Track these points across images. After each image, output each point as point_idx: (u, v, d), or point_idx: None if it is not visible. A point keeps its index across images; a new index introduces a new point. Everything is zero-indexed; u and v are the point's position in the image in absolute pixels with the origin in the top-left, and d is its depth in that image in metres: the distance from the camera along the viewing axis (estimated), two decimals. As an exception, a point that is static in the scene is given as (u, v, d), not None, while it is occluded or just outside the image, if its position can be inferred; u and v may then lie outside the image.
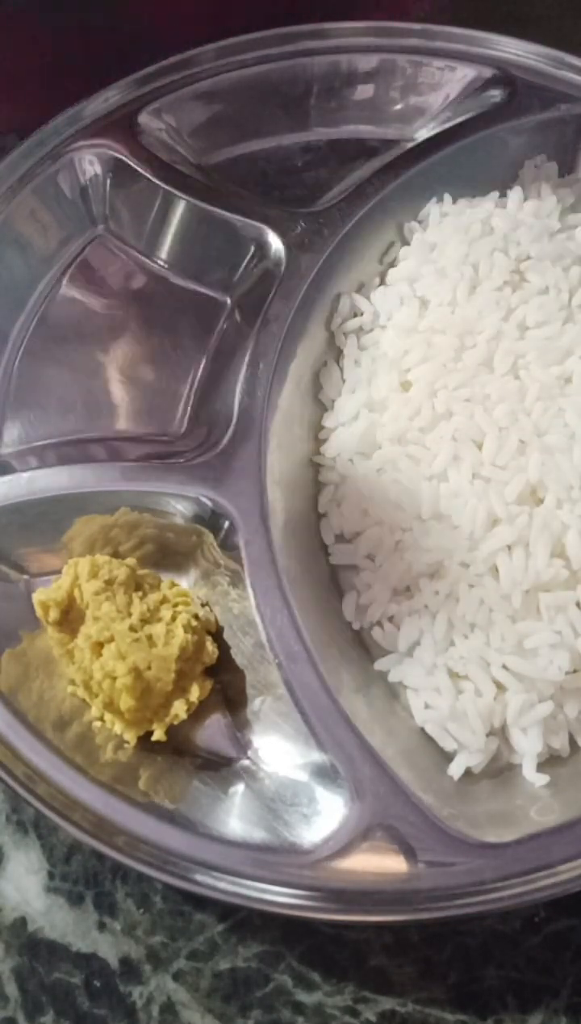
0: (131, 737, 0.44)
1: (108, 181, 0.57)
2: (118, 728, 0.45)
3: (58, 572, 0.47)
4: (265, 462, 0.48)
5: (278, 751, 0.45)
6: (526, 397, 0.49)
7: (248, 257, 0.55)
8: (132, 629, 0.45)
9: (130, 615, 0.45)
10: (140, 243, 0.58)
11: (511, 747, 0.45)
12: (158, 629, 0.45)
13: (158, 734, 0.44)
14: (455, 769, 0.45)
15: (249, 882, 0.40)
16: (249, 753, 0.46)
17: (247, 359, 0.51)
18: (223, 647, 0.47)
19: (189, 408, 0.54)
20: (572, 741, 0.46)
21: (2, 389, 0.54)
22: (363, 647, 0.49)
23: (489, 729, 0.45)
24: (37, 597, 0.46)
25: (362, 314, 0.54)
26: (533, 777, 0.44)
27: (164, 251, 0.57)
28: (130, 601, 0.46)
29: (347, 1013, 0.43)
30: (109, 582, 0.46)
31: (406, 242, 0.57)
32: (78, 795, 0.42)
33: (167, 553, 0.50)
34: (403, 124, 0.60)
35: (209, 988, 0.44)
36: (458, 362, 0.50)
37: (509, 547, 0.46)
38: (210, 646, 0.46)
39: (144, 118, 0.57)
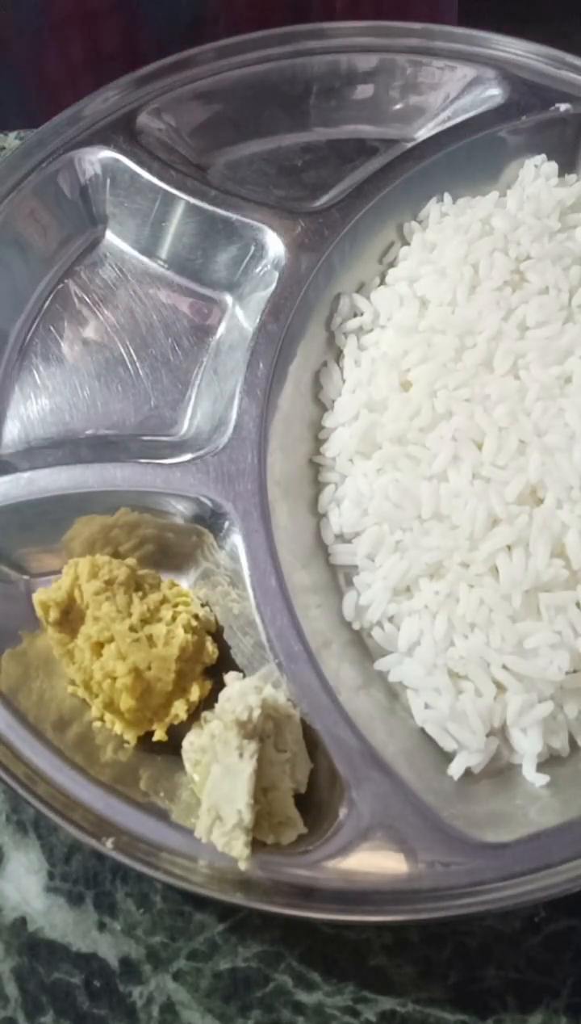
0: (131, 737, 0.44)
1: (108, 181, 0.57)
2: (118, 728, 0.45)
3: (58, 572, 0.47)
4: (265, 462, 0.48)
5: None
6: (526, 397, 0.49)
7: (248, 257, 0.55)
8: (132, 629, 0.45)
9: (130, 615, 0.45)
10: (140, 243, 0.58)
11: (511, 747, 0.45)
12: (158, 629, 0.45)
13: (159, 734, 0.44)
14: (455, 769, 0.45)
15: (249, 882, 0.40)
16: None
17: (247, 359, 0.51)
18: (223, 647, 0.47)
19: (189, 408, 0.54)
20: (572, 741, 0.46)
21: (2, 389, 0.54)
22: (363, 647, 0.49)
23: (489, 729, 0.45)
24: (37, 597, 0.46)
25: (362, 314, 0.55)
26: (533, 777, 0.44)
27: (164, 251, 0.57)
28: (130, 601, 0.46)
29: (347, 1013, 0.43)
30: (109, 582, 0.46)
31: (406, 242, 0.57)
32: (78, 795, 0.42)
33: (167, 553, 0.50)
34: (403, 124, 0.60)
35: (209, 988, 0.44)
36: (458, 362, 0.50)
37: (509, 547, 0.46)
38: (210, 646, 0.46)
39: (144, 118, 0.57)
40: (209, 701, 0.44)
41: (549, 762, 0.45)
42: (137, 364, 0.55)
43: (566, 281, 0.52)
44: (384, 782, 0.42)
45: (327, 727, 0.43)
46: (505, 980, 0.43)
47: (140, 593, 0.47)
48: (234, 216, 0.54)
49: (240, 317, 0.55)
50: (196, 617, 0.46)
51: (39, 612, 0.45)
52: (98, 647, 0.44)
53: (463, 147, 0.56)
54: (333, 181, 0.58)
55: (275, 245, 0.54)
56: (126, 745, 0.45)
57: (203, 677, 0.46)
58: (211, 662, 0.46)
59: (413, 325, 0.52)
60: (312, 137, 0.61)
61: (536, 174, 0.57)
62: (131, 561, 0.48)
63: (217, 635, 0.47)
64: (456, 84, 0.59)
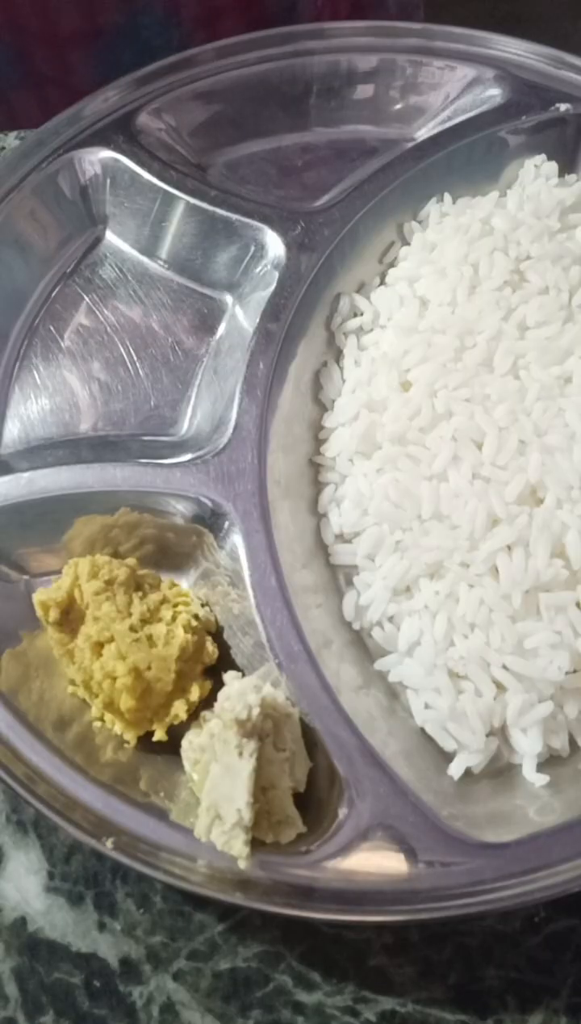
0: (131, 737, 0.44)
1: (108, 181, 0.57)
2: (118, 728, 0.45)
3: (58, 572, 0.47)
4: (265, 462, 0.48)
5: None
6: (526, 397, 0.49)
7: (248, 257, 0.55)
8: (132, 629, 0.45)
9: (130, 615, 0.45)
10: (140, 243, 0.58)
11: (511, 747, 0.45)
12: (158, 629, 0.45)
13: (159, 734, 0.44)
14: (455, 769, 0.45)
15: (249, 882, 0.40)
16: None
17: (247, 359, 0.51)
18: (223, 647, 0.47)
19: (189, 408, 0.54)
20: (572, 741, 0.46)
21: (2, 389, 0.54)
22: (363, 647, 0.49)
23: (489, 729, 0.45)
24: (37, 597, 0.46)
25: (362, 314, 0.55)
26: (533, 777, 0.44)
27: (164, 251, 0.57)
28: (130, 601, 0.46)
29: (347, 1013, 0.43)
30: (109, 582, 0.46)
31: (406, 242, 0.57)
32: (78, 795, 0.42)
33: (167, 553, 0.50)
34: (403, 124, 0.60)
35: (209, 988, 0.44)
36: (458, 362, 0.50)
37: (509, 547, 0.46)
38: (210, 646, 0.46)
39: (144, 118, 0.57)
40: (209, 701, 0.44)
41: (549, 762, 0.45)
42: (137, 364, 0.55)
43: (566, 281, 0.52)
44: (384, 782, 0.42)
45: (327, 727, 0.43)
46: (505, 980, 0.43)
47: (140, 593, 0.47)
48: (234, 216, 0.54)
49: (240, 317, 0.55)
50: (196, 617, 0.46)
51: (39, 612, 0.45)
52: (98, 647, 0.44)
53: (463, 147, 0.56)
54: (333, 181, 0.58)
55: (275, 245, 0.54)
56: (126, 745, 0.45)
57: (203, 677, 0.46)
58: (211, 662, 0.46)
59: (413, 325, 0.52)
60: (312, 137, 0.61)
61: (536, 174, 0.57)
62: (131, 561, 0.48)
63: (217, 635, 0.47)
64: (456, 84, 0.59)
